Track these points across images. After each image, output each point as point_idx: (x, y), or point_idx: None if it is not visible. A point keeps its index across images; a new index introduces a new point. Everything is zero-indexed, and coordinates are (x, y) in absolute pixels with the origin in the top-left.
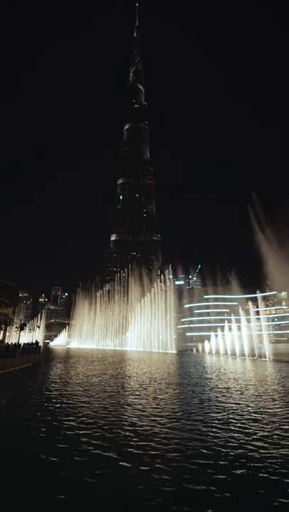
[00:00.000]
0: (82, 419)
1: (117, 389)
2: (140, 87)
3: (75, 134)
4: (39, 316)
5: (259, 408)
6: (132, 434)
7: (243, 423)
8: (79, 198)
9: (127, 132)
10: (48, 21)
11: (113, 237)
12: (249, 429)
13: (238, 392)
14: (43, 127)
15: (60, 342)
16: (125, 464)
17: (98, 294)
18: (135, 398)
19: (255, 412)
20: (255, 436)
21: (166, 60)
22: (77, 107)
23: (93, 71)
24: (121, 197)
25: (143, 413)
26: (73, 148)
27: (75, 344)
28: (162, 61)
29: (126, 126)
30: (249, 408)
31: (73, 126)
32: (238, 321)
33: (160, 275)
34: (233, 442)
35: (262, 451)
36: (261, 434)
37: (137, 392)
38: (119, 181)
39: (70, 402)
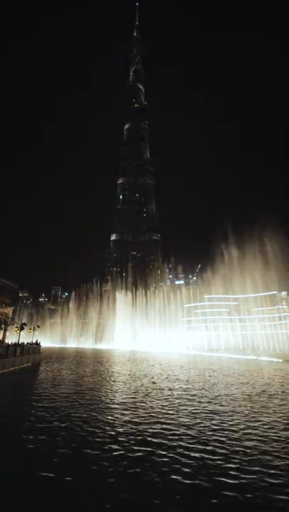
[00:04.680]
0: None
1: None
2: (140, 87)
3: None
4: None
5: None
6: None
7: None
8: (79, 198)
9: (127, 132)
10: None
11: (113, 237)
12: None
13: None
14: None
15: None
16: None
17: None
18: None
19: None
20: None
21: (166, 59)
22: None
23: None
24: (121, 197)
25: None
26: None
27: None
28: (162, 60)
29: (126, 126)
30: None
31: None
32: (238, 320)
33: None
34: None
35: None
36: None
37: None
38: (119, 181)
39: None
